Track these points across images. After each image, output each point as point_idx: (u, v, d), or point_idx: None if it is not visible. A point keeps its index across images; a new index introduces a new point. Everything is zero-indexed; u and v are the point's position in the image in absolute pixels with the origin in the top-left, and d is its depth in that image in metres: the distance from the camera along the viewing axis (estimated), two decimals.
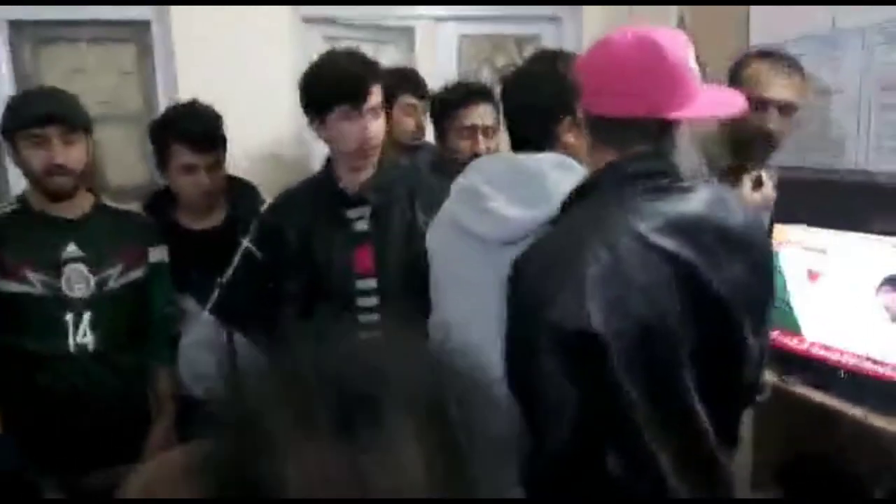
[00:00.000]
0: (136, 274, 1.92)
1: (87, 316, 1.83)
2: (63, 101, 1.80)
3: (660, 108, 1.12)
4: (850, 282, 2.07)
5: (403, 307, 1.85)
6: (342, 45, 2.94)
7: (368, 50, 2.99)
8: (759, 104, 1.90)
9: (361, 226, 1.87)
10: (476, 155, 2.11)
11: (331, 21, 2.91)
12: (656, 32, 1.14)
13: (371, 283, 1.86)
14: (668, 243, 1.11)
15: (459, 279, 1.57)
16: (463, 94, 2.18)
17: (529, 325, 1.11)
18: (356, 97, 1.74)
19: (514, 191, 1.41)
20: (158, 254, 1.98)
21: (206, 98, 2.12)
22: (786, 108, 1.95)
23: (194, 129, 1.94)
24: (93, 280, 1.84)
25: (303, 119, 2.75)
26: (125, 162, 2.76)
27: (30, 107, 1.77)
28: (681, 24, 2.68)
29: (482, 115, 2.16)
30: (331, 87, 1.76)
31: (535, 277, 1.14)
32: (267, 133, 2.66)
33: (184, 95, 2.59)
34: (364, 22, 2.98)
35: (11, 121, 1.77)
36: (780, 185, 2.13)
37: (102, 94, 2.67)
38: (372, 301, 1.86)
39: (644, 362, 1.09)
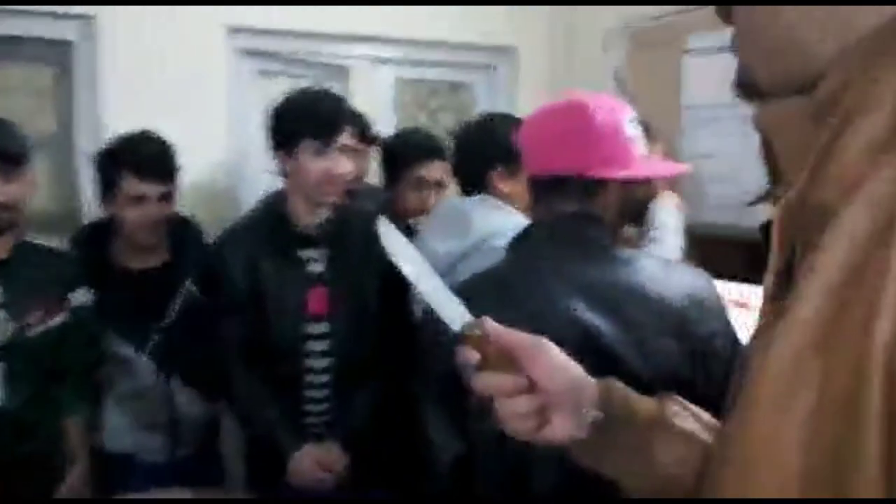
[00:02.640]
0: (57, 320, 1.75)
1: None
2: (1, 132, 1.63)
3: (585, 167, 1.13)
4: None
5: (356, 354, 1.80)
6: (277, 80, 2.91)
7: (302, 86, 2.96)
8: None
9: (316, 267, 1.80)
10: (426, 208, 2.11)
11: (266, 54, 2.82)
12: (592, 98, 1.17)
13: (322, 326, 1.79)
14: (583, 312, 1.07)
15: None
16: (425, 149, 2.16)
17: (426, 370, 1.15)
18: (327, 132, 1.71)
19: (443, 229, 1.64)
20: (81, 297, 1.81)
21: (131, 124, 1.99)
22: None
23: (147, 157, 1.81)
24: (10, 328, 1.66)
25: (235, 151, 2.70)
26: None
27: None
28: (616, 77, 2.79)
29: (437, 169, 2.15)
30: (303, 121, 1.72)
31: (435, 327, 1.19)
32: (198, 165, 2.51)
33: (106, 121, 2.45)
34: (300, 58, 2.91)
35: None
36: (718, 243, 2.23)
37: (13, 114, 2.45)
38: (323, 346, 1.79)
39: None
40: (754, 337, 0.54)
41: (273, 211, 1.85)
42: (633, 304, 1.09)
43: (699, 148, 2.54)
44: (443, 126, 3.24)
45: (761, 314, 0.51)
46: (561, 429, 0.69)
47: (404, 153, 2.20)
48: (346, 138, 1.77)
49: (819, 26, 0.46)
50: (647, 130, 2.09)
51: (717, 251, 2.24)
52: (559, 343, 1.04)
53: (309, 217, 1.80)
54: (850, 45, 0.44)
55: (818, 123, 0.44)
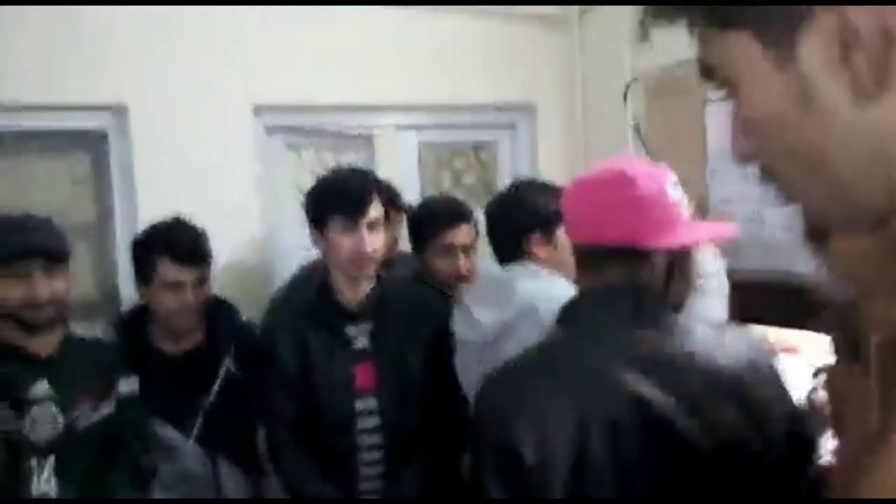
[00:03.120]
0: (105, 410, 1.77)
1: (50, 460, 1.67)
2: (44, 231, 1.69)
3: (634, 237, 1.13)
4: None
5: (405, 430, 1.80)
6: (304, 152, 2.98)
7: (329, 157, 3.03)
8: None
9: (362, 343, 1.81)
10: (458, 273, 2.13)
11: (292, 129, 2.90)
12: (633, 166, 1.18)
13: (371, 402, 1.79)
14: (637, 384, 1.06)
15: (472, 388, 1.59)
16: (449, 215, 2.18)
17: (482, 445, 1.15)
18: (354, 209, 1.74)
19: (486, 299, 1.65)
20: (129, 385, 1.84)
21: (167, 209, 2.05)
22: None
23: (182, 243, 1.86)
24: (61, 422, 1.68)
25: (267, 226, 2.76)
26: (76, 277, 2.60)
27: (9, 238, 1.64)
28: (636, 130, 2.82)
29: (464, 234, 2.17)
30: (329, 199, 1.76)
31: (492, 401, 1.18)
32: (231, 243, 2.57)
33: (143, 208, 2.52)
34: (325, 129, 2.98)
35: None
36: (748, 287, 2.21)
37: (53, 205, 2.53)
38: (373, 421, 1.79)
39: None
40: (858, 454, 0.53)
41: (317, 286, 1.87)
42: (690, 375, 1.08)
43: (725, 193, 2.55)
44: (467, 186, 3.29)
45: (864, 441, 0.49)
46: None
47: (430, 221, 2.22)
48: (374, 212, 1.78)
49: (866, 175, 0.47)
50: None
51: (746, 295, 2.22)
52: (614, 416, 1.05)
53: (351, 292, 1.82)
54: None
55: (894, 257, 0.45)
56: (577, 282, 1.30)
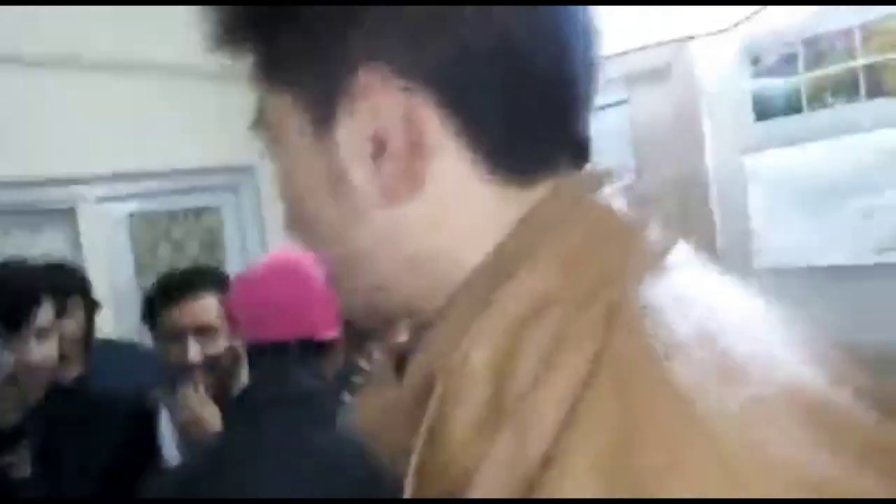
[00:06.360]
0: None
1: None
2: None
3: (314, 330, 1.12)
4: None
5: None
6: None
7: (21, 236, 2.66)
8: None
9: (22, 471, 1.52)
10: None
11: None
12: (304, 258, 1.15)
13: None
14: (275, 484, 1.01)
15: None
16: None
17: None
18: (13, 321, 1.46)
19: None
20: None
21: None
22: None
23: None
24: None
25: None
26: None
27: None
28: None
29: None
30: None
31: None
32: None
33: None
34: (12, 207, 2.61)
35: None
36: None
37: None
38: None
39: None
40: None
41: None
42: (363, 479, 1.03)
43: None
44: (191, 255, 3.08)
45: None
46: None
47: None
48: (44, 317, 1.51)
49: (395, 277, 0.42)
50: None
51: None
52: None
53: (8, 413, 1.53)
54: (436, 324, 0.39)
55: (418, 413, 0.37)
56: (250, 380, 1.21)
